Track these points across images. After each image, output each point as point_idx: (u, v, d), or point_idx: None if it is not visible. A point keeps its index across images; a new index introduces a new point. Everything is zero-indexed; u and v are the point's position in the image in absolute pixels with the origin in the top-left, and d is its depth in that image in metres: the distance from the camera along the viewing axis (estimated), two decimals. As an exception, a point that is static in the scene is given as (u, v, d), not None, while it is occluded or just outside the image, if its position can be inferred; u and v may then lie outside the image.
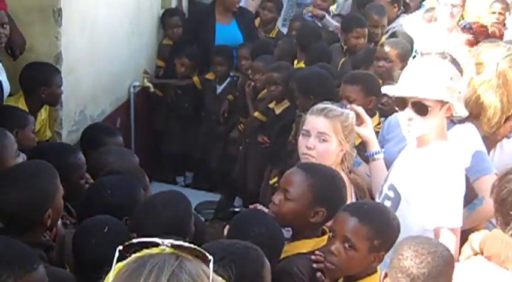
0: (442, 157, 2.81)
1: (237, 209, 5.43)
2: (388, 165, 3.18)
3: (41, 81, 4.01)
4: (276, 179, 5.01)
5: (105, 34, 4.90)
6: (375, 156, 3.25)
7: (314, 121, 3.10)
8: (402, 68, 4.48)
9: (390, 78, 4.25)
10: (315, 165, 2.86)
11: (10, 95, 4.00)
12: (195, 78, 6.01)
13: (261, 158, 5.34)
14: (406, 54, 4.82)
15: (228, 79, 5.94)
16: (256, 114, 5.34)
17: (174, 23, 6.14)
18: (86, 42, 4.62)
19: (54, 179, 2.54)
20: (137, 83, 5.70)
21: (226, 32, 5.97)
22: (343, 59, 5.36)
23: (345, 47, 5.43)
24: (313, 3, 6.31)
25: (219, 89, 5.96)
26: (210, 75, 6.00)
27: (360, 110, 3.27)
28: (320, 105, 3.15)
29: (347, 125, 3.09)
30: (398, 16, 6.07)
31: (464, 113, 2.87)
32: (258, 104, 5.41)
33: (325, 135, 3.06)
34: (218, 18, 6.00)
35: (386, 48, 4.79)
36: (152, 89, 5.85)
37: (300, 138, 3.15)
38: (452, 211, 2.74)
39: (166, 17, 6.17)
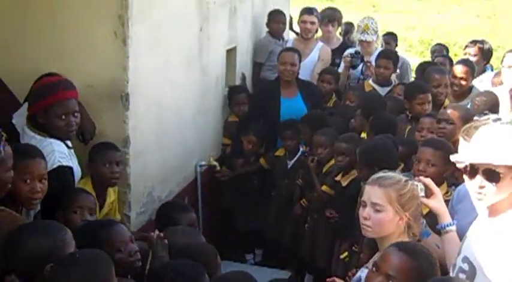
0: None
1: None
2: (460, 236, 3.11)
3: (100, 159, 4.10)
4: (346, 253, 4.94)
5: (171, 116, 4.99)
6: (447, 229, 3.17)
7: (369, 191, 3.06)
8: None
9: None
10: (415, 247, 2.81)
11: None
12: (262, 160, 6.04)
13: (329, 233, 5.27)
14: (468, 117, 4.75)
15: (299, 153, 5.91)
16: (324, 188, 5.30)
17: (241, 100, 6.24)
18: (153, 125, 4.71)
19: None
20: (203, 162, 5.74)
21: (291, 105, 6.03)
22: (408, 127, 5.31)
23: (410, 115, 5.39)
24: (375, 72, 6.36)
25: (290, 164, 5.94)
26: (279, 152, 6.00)
27: (429, 181, 3.22)
28: (377, 174, 3.12)
29: (403, 193, 3.01)
30: None
31: None
32: (323, 178, 5.38)
33: (379, 205, 3.00)
34: (283, 92, 6.08)
35: (448, 110, 4.76)
36: (218, 168, 5.88)
37: (360, 209, 3.11)
38: None
39: (232, 94, 6.28)
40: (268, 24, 7.07)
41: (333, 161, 5.27)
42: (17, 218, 3.06)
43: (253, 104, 6.18)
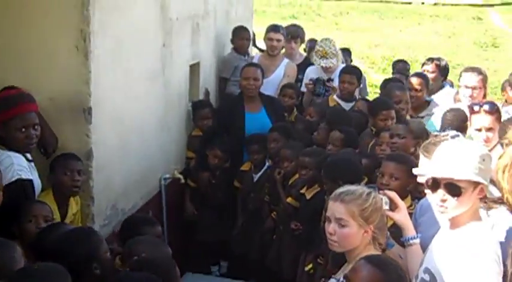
0: (476, 239, 2.81)
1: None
2: (423, 248, 3.18)
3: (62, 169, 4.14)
4: (311, 265, 5.00)
5: (134, 130, 5.02)
6: (411, 242, 3.25)
7: (332, 206, 3.13)
8: (415, 145, 4.63)
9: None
10: (384, 260, 2.88)
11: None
12: (236, 182, 6.16)
13: (295, 245, 5.34)
14: (419, 131, 4.91)
15: (265, 167, 5.98)
16: (289, 200, 5.38)
17: (205, 115, 6.27)
18: (116, 138, 4.74)
19: None
20: (168, 175, 5.76)
21: (256, 120, 6.11)
22: (372, 142, 5.42)
23: (374, 130, 5.50)
24: (339, 87, 6.47)
25: (256, 177, 6.00)
26: (245, 166, 6.07)
27: (393, 195, 3.29)
28: (339, 190, 3.18)
29: (365, 207, 3.08)
30: None
31: (497, 193, 2.88)
32: (289, 190, 5.46)
33: (343, 221, 3.07)
34: (247, 107, 6.17)
35: (400, 125, 4.93)
36: (183, 181, 5.91)
37: (326, 224, 3.18)
38: None
39: (196, 109, 6.31)
40: (232, 41, 7.17)
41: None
42: None
43: (217, 118, 6.23)
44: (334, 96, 6.53)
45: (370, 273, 2.73)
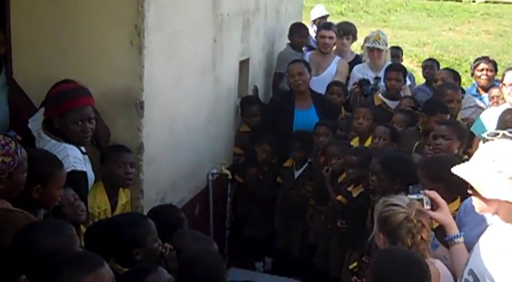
0: None
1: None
2: (468, 249, 3.12)
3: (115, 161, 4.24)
4: (355, 263, 4.98)
5: (184, 125, 5.08)
6: (455, 240, 3.21)
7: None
8: (459, 147, 4.55)
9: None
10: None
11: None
12: (278, 179, 6.14)
13: (342, 243, 5.34)
14: (463, 132, 4.83)
15: (306, 164, 5.98)
16: (339, 197, 5.34)
17: (253, 112, 6.31)
18: (166, 132, 4.80)
19: None
20: (215, 171, 5.81)
21: (305, 117, 6.08)
22: (417, 143, 5.36)
23: (421, 129, 5.43)
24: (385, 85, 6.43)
25: (297, 174, 6.00)
26: (288, 163, 6.07)
27: (435, 195, 3.25)
28: (388, 200, 3.18)
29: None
30: None
31: None
32: (337, 188, 5.44)
33: None
34: (297, 104, 6.15)
35: (443, 126, 4.83)
36: (230, 177, 5.96)
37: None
38: None
39: (245, 105, 6.35)
40: (290, 37, 7.20)
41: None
42: (33, 219, 3.14)
43: (267, 114, 6.25)
44: (379, 95, 6.45)
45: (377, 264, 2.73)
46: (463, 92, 6.56)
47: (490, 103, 6.24)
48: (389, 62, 6.91)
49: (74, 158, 3.81)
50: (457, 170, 2.93)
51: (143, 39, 4.24)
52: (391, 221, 2.99)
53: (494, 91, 6.27)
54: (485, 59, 6.76)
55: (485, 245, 2.90)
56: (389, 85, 6.36)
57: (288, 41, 7.26)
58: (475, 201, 2.82)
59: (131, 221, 3.47)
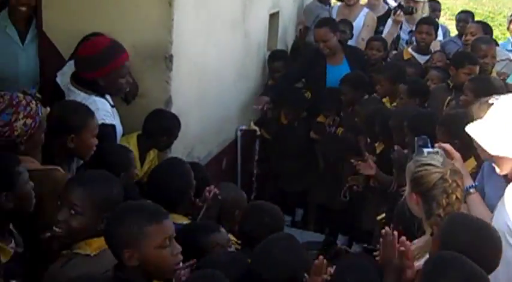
0: None
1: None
2: (490, 209, 3.14)
3: (164, 130, 4.29)
4: (384, 215, 4.94)
5: (213, 79, 5.05)
6: (470, 190, 3.20)
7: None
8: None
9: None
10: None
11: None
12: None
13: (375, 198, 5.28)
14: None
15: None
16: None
17: (277, 68, 6.20)
18: (195, 86, 4.78)
19: None
20: (244, 127, 5.80)
21: (338, 72, 5.94)
22: (448, 98, 5.26)
23: (451, 84, 5.32)
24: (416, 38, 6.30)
25: (332, 129, 5.95)
26: (321, 118, 5.99)
27: (448, 147, 3.23)
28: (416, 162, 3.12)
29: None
30: None
31: None
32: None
33: None
34: (329, 59, 6.02)
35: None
36: (259, 132, 5.94)
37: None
38: None
39: (270, 61, 6.27)
40: None
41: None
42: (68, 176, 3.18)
43: (295, 68, 6.12)
44: (409, 49, 6.35)
45: None
46: (497, 45, 6.39)
47: None
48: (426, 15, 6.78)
49: (104, 111, 3.81)
50: (469, 128, 2.92)
51: (173, -8, 4.19)
52: (426, 181, 2.91)
53: None
54: None
55: (505, 204, 2.91)
56: (419, 38, 6.25)
57: None
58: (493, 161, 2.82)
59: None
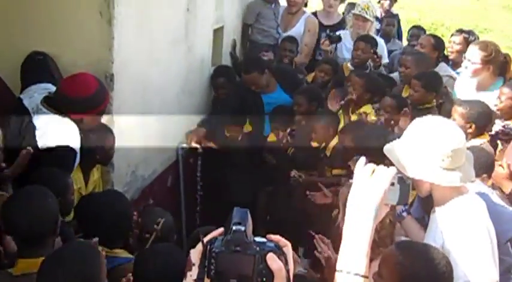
0: (462, 214, 2.83)
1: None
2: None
3: (95, 142, 4.10)
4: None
5: (155, 96, 4.99)
6: (403, 214, 3.26)
7: None
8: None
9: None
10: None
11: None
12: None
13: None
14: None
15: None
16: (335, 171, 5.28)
17: (221, 84, 6.14)
18: (137, 105, 4.71)
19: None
20: (184, 145, 5.67)
21: (272, 99, 5.92)
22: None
23: None
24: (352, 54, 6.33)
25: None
26: (271, 138, 5.92)
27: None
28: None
29: None
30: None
31: (469, 178, 2.83)
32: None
33: None
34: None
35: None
36: (200, 150, 5.73)
37: None
38: (485, 267, 2.74)
39: (214, 78, 6.21)
40: None
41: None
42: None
43: (230, 104, 5.91)
44: (348, 64, 6.36)
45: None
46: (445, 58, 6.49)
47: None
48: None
49: (71, 133, 3.78)
50: (386, 148, 2.96)
51: (113, 9, 4.11)
52: None
53: None
54: (459, 31, 6.69)
55: (430, 223, 3.00)
56: (355, 55, 6.22)
57: None
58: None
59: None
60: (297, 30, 6.92)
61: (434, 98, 5.20)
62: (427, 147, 2.75)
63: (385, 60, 6.72)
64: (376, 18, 7.20)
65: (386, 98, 5.13)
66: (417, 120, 2.90)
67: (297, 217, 5.44)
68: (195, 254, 1.49)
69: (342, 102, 5.43)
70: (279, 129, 5.75)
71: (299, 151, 5.55)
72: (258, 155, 5.97)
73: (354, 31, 6.72)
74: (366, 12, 6.65)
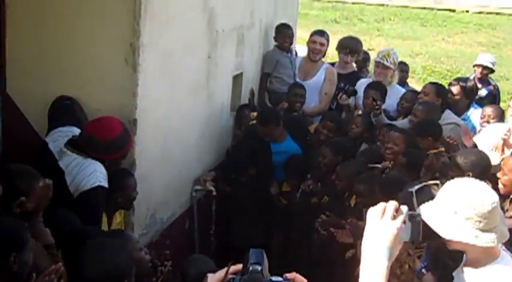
0: None
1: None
2: None
3: (117, 186, 4.16)
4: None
5: (176, 141, 5.10)
6: (423, 271, 3.27)
7: None
8: None
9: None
10: None
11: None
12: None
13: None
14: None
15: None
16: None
17: (244, 115, 6.31)
18: (158, 149, 4.82)
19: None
20: (199, 187, 5.72)
21: (282, 149, 5.99)
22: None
23: None
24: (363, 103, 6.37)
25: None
26: (285, 187, 6.03)
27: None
28: None
29: None
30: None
31: (504, 238, 2.81)
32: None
33: None
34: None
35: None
36: (215, 193, 5.82)
37: None
38: None
39: (237, 111, 6.41)
40: (275, 38, 7.19)
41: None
42: None
43: (240, 154, 6.01)
44: (359, 112, 6.39)
45: None
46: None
47: (481, 121, 6.27)
48: (394, 83, 6.86)
49: (101, 173, 3.90)
50: (421, 209, 2.95)
51: (138, 57, 4.24)
52: None
53: (488, 110, 6.30)
54: (455, 80, 6.78)
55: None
56: (366, 103, 6.24)
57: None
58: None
59: None
60: (317, 79, 7.02)
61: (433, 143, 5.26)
62: (462, 209, 2.72)
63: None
64: None
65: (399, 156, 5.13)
66: (450, 182, 2.90)
67: (314, 264, 5.48)
68: (213, 279, 1.54)
69: None
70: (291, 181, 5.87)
71: (332, 200, 5.53)
72: (265, 199, 6.05)
73: (376, 79, 6.79)
74: (387, 60, 6.72)
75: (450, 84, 6.73)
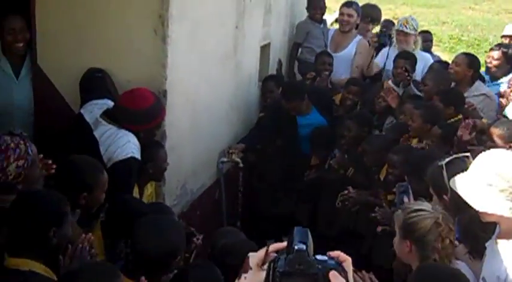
0: None
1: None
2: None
3: (148, 157, 4.18)
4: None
5: (205, 112, 5.11)
6: (456, 242, 3.23)
7: None
8: None
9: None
10: None
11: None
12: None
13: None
14: None
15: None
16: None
17: (269, 88, 6.25)
18: (188, 120, 4.83)
19: None
20: (225, 159, 5.73)
21: (308, 121, 5.96)
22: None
23: None
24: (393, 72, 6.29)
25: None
26: (313, 161, 5.99)
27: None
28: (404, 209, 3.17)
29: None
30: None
31: None
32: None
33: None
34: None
35: None
36: (241, 165, 5.84)
37: None
38: None
39: (263, 83, 6.35)
40: (307, 8, 7.22)
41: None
42: None
43: (266, 125, 6.09)
44: (389, 82, 6.31)
45: None
46: (481, 78, 6.44)
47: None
48: (418, 50, 6.75)
49: (134, 144, 3.94)
50: (453, 182, 2.92)
51: (167, 28, 4.24)
52: (420, 227, 2.93)
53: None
54: (497, 45, 6.68)
55: (492, 254, 2.90)
56: (395, 73, 6.17)
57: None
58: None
59: None
60: (348, 51, 6.96)
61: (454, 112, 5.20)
62: (495, 180, 2.69)
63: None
64: None
65: (435, 128, 5.01)
66: (484, 153, 2.87)
67: (342, 235, 5.49)
68: (254, 258, 1.53)
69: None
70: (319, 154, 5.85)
71: (358, 172, 5.50)
72: (291, 171, 6.06)
73: (399, 47, 6.71)
74: (406, 27, 6.65)
75: (491, 50, 6.64)
